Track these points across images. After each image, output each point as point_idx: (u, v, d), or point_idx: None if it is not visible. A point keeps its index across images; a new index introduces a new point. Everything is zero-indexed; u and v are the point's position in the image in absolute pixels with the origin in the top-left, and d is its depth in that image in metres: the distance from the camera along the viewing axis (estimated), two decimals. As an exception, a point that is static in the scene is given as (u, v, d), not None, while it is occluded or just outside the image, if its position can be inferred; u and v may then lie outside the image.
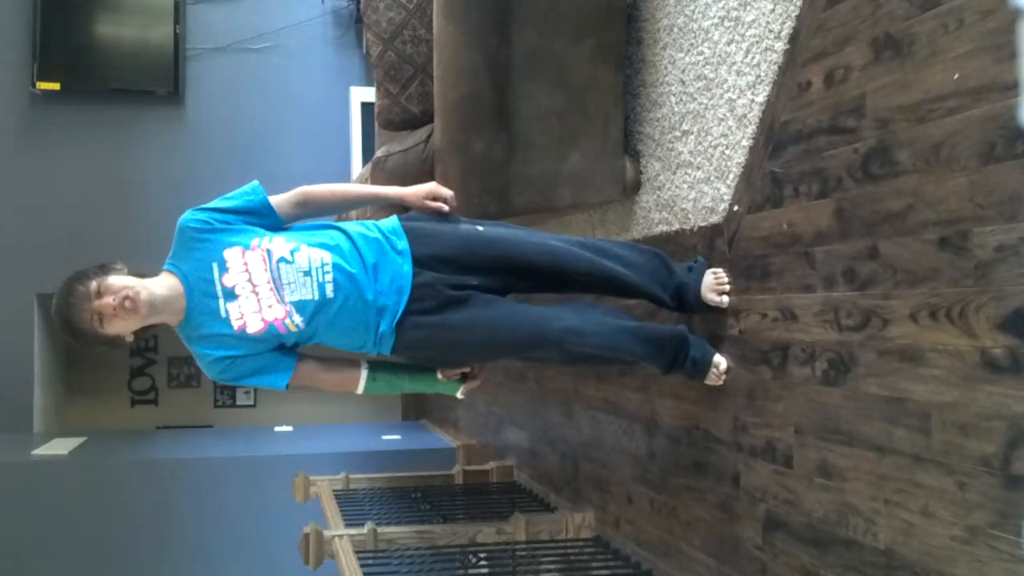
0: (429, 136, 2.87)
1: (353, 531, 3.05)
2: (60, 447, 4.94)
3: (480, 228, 2.14)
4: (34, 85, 5.57)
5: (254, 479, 4.63)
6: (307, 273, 1.98)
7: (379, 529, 3.02)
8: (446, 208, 2.14)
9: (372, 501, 3.71)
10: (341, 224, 2.13)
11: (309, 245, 2.01)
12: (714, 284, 2.23)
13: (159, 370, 7.17)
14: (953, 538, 1.52)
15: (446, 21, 2.59)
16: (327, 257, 2.00)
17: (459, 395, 2.16)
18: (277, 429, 5.79)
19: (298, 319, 1.98)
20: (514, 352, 2.25)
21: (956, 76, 1.53)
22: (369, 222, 2.13)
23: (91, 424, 6.70)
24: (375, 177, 2.97)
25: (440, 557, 2.94)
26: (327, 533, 3.02)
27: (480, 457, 4.48)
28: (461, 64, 2.58)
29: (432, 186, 2.16)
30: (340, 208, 2.26)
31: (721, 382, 2.23)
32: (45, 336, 5.83)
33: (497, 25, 2.53)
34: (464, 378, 2.14)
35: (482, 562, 2.96)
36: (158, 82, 5.77)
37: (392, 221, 2.12)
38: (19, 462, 4.65)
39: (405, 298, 2.02)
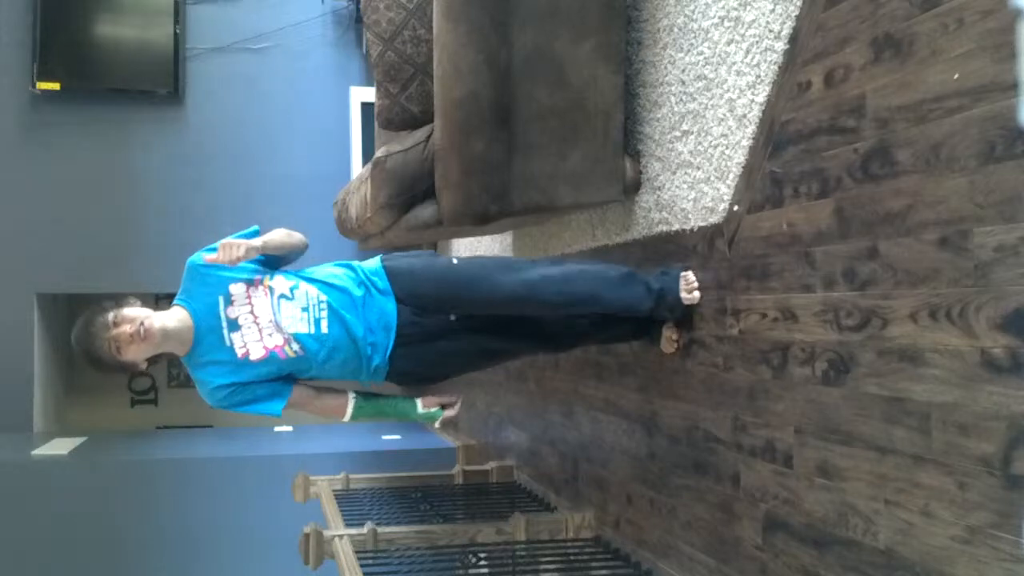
0: (429, 136, 2.87)
1: (353, 531, 3.05)
2: (60, 447, 4.93)
3: (455, 261, 2.32)
4: (34, 85, 5.57)
5: (254, 479, 4.62)
6: (304, 309, 2.18)
7: (379, 529, 3.02)
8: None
9: (372, 501, 3.71)
10: (333, 270, 2.29)
11: (307, 282, 2.21)
12: (684, 287, 2.35)
13: (159, 370, 7.17)
14: (953, 538, 1.52)
15: (446, 21, 2.59)
16: (323, 296, 2.19)
17: (437, 425, 2.32)
18: (277, 429, 5.78)
19: (296, 346, 2.16)
20: (493, 362, 2.67)
21: (956, 76, 1.53)
22: (355, 264, 2.31)
23: (91, 424, 6.70)
24: (375, 177, 2.97)
25: (440, 557, 2.94)
26: (327, 533, 3.02)
27: (480, 457, 4.48)
28: (461, 64, 2.58)
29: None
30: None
31: (674, 349, 2.46)
32: (45, 336, 5.83)
33: (497, 25, 2.53)
34: (443, 408, 2.32)
35: (482, 562, 2.96)
36: (158, 82, 5.76)
37: (375, 263, 2.30)
38: (19, 462, 4.65)
39: (393, 334, 2.23)
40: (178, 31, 5.75)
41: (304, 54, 6.03)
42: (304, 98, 6.00)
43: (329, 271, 2.27)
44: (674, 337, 2.45)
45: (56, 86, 5.61)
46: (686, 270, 2.38)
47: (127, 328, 2.05)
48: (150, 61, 5.76)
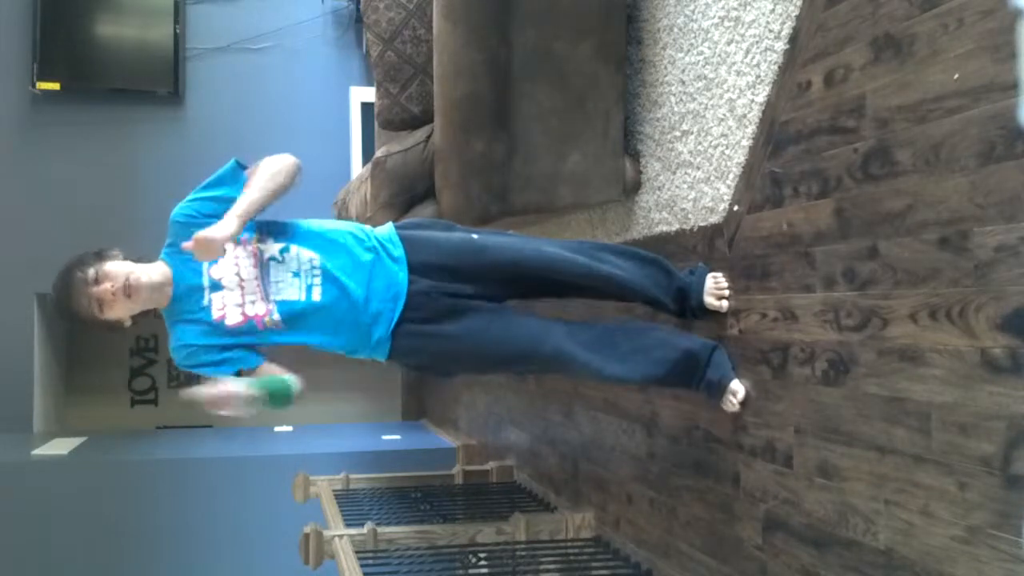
0: (429, 136, 2.87)
1: (353, 531, 3.05)
2: (60, 447, 4.93)
3: (475, 236, 2.16)
4: (34, 85, 5.57)
5: (254, 479, 4.62)
6: (296, 274, 2.02)
7: (379, 529, 3.02)
8: None
9: (372, 501, 3.71)
10: (338, 226, 2.14)
11: (299, 245, 2.04)
12: (714, 288, 2.24)
13: (159, 370, 7.16)
14: (953, 538, 1.52)
15: (446, 21, 2.59)
16: (316, 260, 2.03)
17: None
18: (277, 429, 5.78)
19: (277, 317, 2.02)
20: (503, 367, 2.38)
21: (956, 76, 1.53)
22: (367, 229, 2.15)
23: (91, 424, 6.69)
24: (375, 177, 2.97)
25: (440, 557, 2.94)
26: (327, 533, 3.02)
27: (480, 457, 4.47)
28: (461, 64, 2.58)
29: None
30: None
31: (736, 409, 2.15)
32: (45, 336, 5.83)
33: (497, 25, 2.53)
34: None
35: (482, 562, 2.96)
36: (158, 82, 5.76)
37: (388, 229, 2.15)
38: (19, 462, 4.65)
39: (401, 305, 2.06)
40: (178, 31, 5.75)
41: (304, 54, 6.02)
42: (304, 98, 6.00)
43: (333, 228, 2.11)
44: (740, 398, 2.15)
45: (56, 86, 5.61)
46: (714, 271, 2.26)
47: (109, 286, 1.93)
48: (150, 61, 5.76)
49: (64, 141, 5.70)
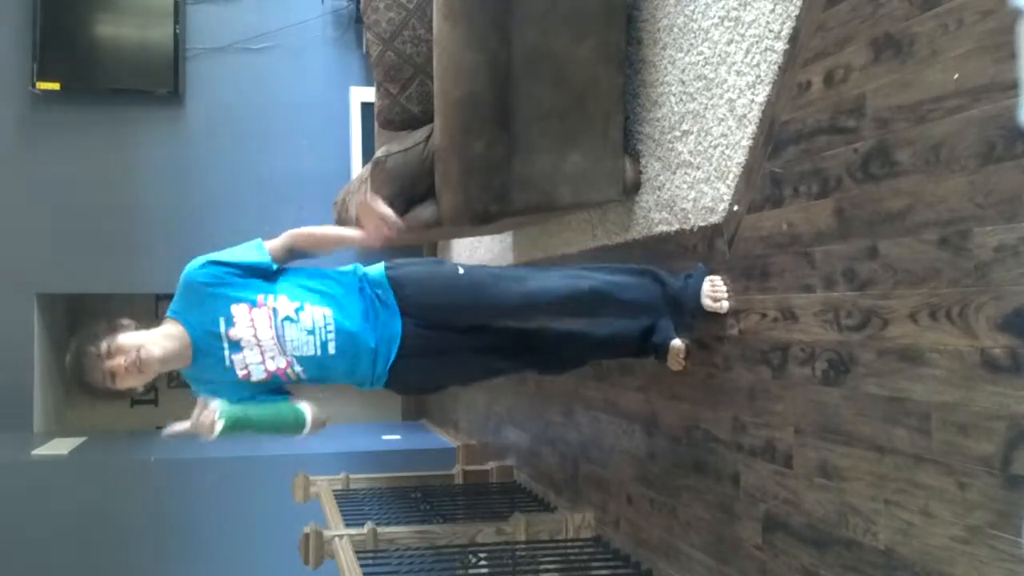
0: (429, 136, 2.87)
1: (353, 531, 3.05)
2: (60, 447, 4.93)
3: (460, 271, 2.25)
4: (34, 85, 5.57)
5: (254, 479, 4.62)
6: (310, 332, 2.10)
7: (379, 529, 3.02)
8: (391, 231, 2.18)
9: (372, 501, 3.71)
10: (339, 272, 2.24)
11: (312, 303, 2.12)
12: (710, 291, 2.27)
13: (159, 370, 7.17)
14: (953, 538, 1.52)
15: (446, 21, 2.59)
16: (328, 313, 2.12)
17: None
18: (277, 429, 5.77)
19: (299, 369, 2.11)
20: (493, 376, 2.68)
21: (956, 76, 1.53)
22: (361, 270, 2.24)
23: (91, 424, 6.69)
24: (375, 177, 2.97)
25: (440, 557, 2.94)
26: (327, 533, 3.02)
27: (480, 457, 4.47)
28: (461, 64, 2.58)
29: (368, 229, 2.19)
30: (320, 252, 2.27)
31: (681, 367, 2.40)
32: (45, 336, 5.83)
33: (497, 25, 2.53)
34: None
35: (482, 562, 2.96)
36: (158, 82, 5.76)
37: (379, 271, 2.22)
38: (19, 462, 4.64)
39: (396, 346, 2.19)
40: (178, 31, 5.74)
41: (304, 54, 6.02)
42: (304, 98, 5.99)
43: (337, 273, 2.21)
44: (682, 356, 2.41)
45: (56, 86, 5.60)
46: (712, 273, 2.29)
47: (121, 360, 1.97)
48: (150, 61, 5.75)
49: (64, 141, 5.70)
